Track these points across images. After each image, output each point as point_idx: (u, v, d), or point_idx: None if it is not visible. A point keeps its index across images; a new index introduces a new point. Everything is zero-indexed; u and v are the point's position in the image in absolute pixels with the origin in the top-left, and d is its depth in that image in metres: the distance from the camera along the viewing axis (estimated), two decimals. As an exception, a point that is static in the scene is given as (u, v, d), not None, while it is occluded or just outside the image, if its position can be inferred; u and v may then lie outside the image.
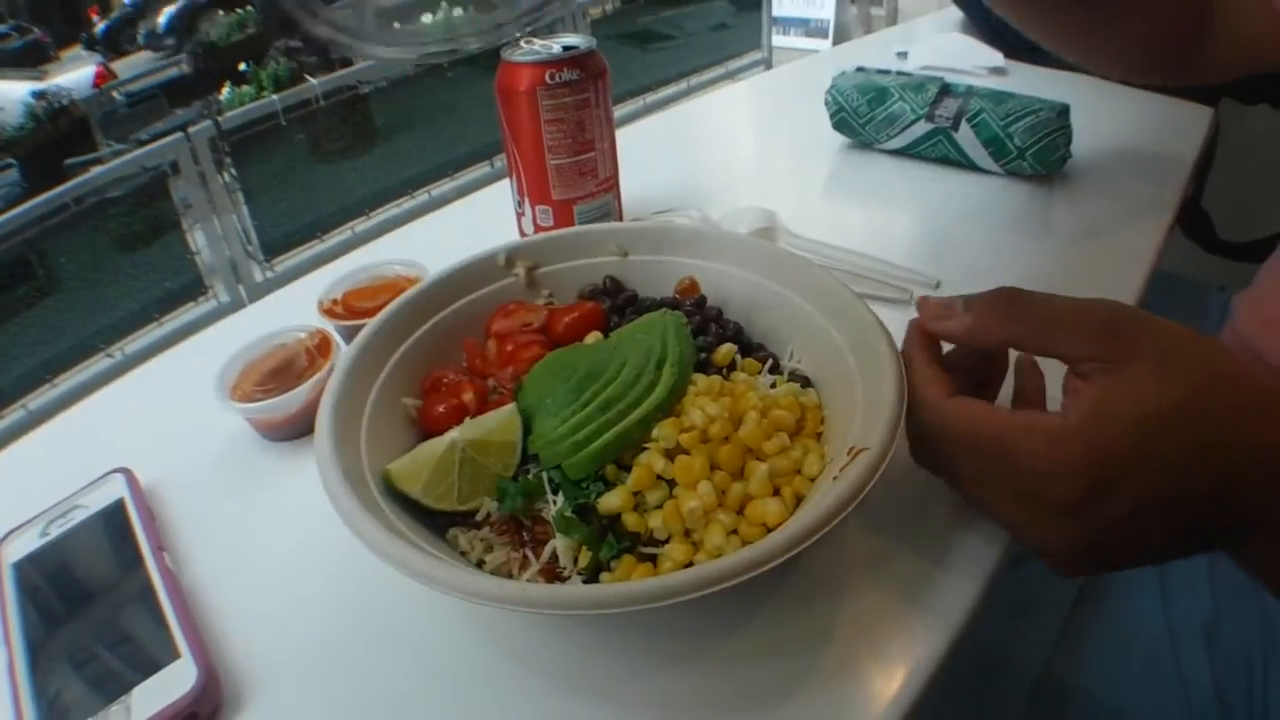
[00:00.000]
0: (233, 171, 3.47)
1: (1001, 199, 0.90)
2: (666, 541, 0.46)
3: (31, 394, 2.97)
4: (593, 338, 0.58)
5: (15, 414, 2.90)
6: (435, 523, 0.50)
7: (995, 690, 0.67)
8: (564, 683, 0.46)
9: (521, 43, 0.77)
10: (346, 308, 0.71)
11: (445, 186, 3.94)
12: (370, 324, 0.57)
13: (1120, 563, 0.46)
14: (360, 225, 3.77)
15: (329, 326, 0.68)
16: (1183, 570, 0.67)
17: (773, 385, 0.54)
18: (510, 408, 0.52)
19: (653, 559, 0.46)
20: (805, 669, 0.45)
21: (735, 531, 0.46)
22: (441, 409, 0.55)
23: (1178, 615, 0.66)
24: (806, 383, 0.56)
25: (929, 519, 0.53)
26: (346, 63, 3.95)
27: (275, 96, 3.74)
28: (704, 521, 0.45)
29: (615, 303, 0.61)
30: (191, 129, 3.39)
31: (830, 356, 0.54)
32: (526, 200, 0.78)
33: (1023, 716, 0.65)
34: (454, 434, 0.51)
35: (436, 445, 0.50)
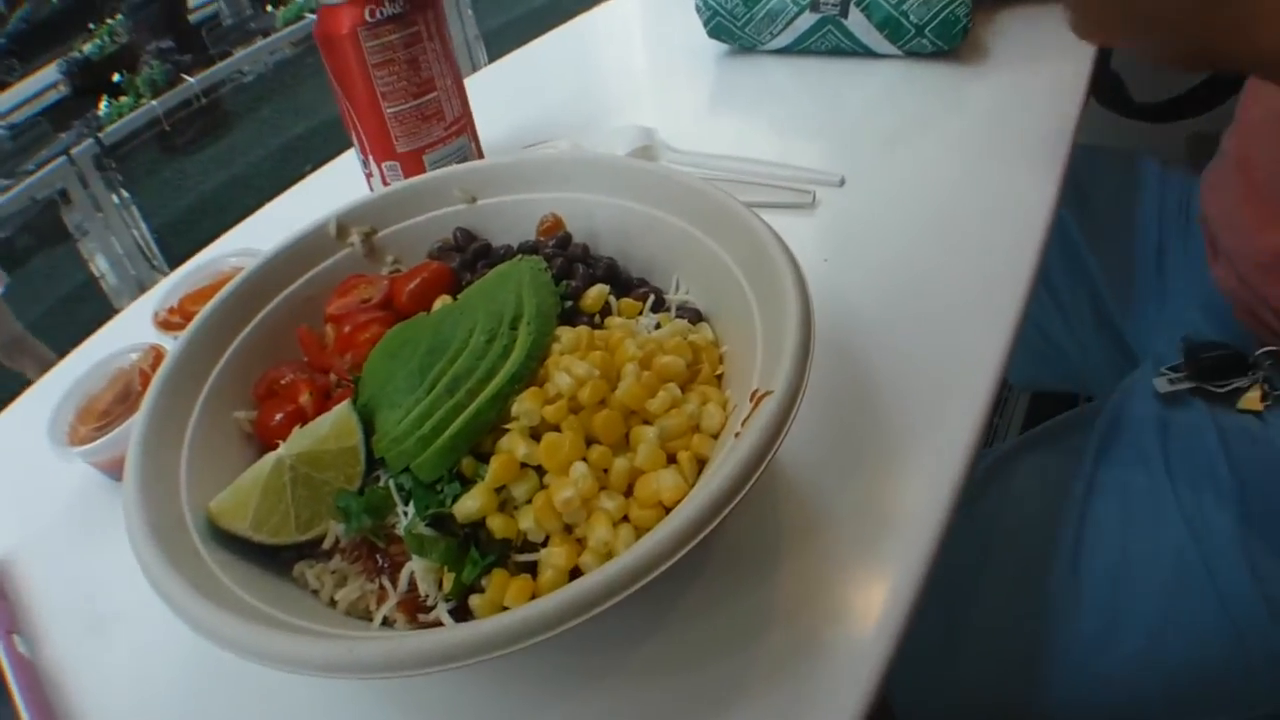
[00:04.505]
0: (123, 193, 3.28)
1: (905, 83, 0.81)
2: (546, 543, 0.37)
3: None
4: (441, 304, 0.48)
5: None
6: (282, 557, 0.41)
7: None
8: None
9: (337, -19, 0.66)
10: (185, 315, 0.62)
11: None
12: (182, 334, 0.47)
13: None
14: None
15: (166, 340, 0.59)
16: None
17: (657, 326, 0.45)
18: (343, 406, 0.42)
19: (532, 567, 0.37)
20: (743, 667, 0.37)
21: (628, 518, 0.36)
22: (278, 418, 0.46)
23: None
24: (699, 316, 0.46)
25: (867, 455, 0.45)
26: (225, 54, 3.74)
27: (155, 102, 3.55)
28: (585, 513, 0.36)
29: (465, 258, 0.51)
30: (74, 151, 3.19)
31: (722, 282, 0.45)
32: (371, 158, 0.68)
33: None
34: (280, 450, 0.41)
35: (261, 467, 0.41)
